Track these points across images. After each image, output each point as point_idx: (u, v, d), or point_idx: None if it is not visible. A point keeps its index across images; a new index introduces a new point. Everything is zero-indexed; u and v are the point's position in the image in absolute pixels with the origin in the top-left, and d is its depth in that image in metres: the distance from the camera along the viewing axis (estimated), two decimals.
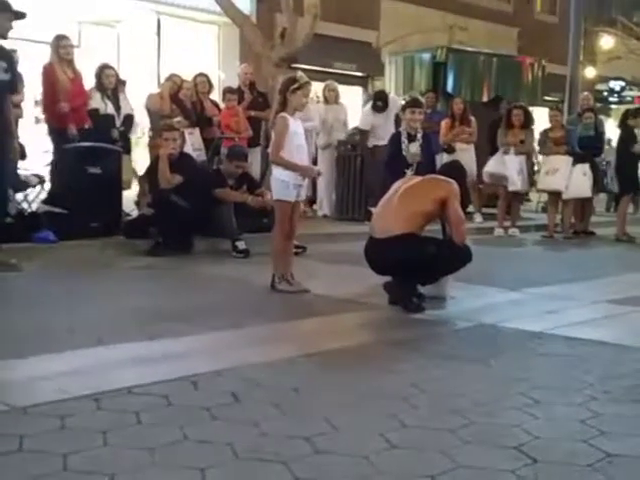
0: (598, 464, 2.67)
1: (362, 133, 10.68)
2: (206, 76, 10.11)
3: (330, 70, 16.02)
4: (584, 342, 4.47)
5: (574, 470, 2.63)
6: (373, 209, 6.83)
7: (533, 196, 12.68)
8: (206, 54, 15.32)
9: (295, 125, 5.70)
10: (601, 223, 11.91)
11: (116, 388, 3.28)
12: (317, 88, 12.08)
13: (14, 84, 6.61)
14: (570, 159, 10.35)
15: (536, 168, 11.01)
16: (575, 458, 2.72)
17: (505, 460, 2.68)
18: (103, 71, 8.56)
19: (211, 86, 10.10)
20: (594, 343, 4.46)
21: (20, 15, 6.51)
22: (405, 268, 5.20)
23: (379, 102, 10.54)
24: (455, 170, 5.82)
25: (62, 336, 4.19)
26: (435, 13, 18.56)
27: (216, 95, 10.58)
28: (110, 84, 8.56)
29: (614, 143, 17.07)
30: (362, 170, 10.48)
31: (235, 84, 10.68)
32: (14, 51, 7.21)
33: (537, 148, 11.11)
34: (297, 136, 5.72)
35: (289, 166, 5.64)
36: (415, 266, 5.17)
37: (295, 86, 5.63)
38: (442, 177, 5.53)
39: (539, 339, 4.55)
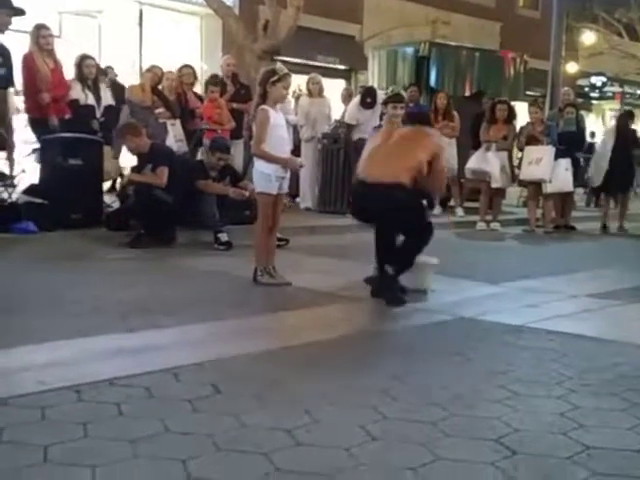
0: (577, 456, 2.69)
1: (348, 127, 10.68)
2: (192, 68, 10.08)
3: (313, 63, 16.03)
4: (564, 335, 4.50)
5: (553, 462, 2.65)
6: None
7: (515, 190, 12.75)
8: (188, 45, 15.26)
9: (276, 117, 5.68)
10: (582, 218, 11.99)
11: (97, 380, 3.27)
12: (300, 81, 12.09)
13: (10, 78, 6.55)
14: (553, 149, 10.40)
15: (515, 163, 11.05)
16: (554, 450, 2.74)
17: (485, 452, 2.70)
18: (83, 61, 8.50)
19: (196, 78, 10.07)
20: (574, 337, 4.49)
21: (19, 11, 6.43)
22: (398, 217, 5.23)
23: (368, 98, 10.53)
24: (426, 116, 6.11)
25: (43, 327, 4.17)
26: (418, 7, 18.59)
27: (198, 87, 10.55)
28: (90, 74, 8.50)
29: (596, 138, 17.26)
30: (345, 163, 10.48)
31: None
32: None
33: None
34: (278, 128, 5.71)
35: (271, 158, 5.63)
36: (406, 219, 5.24)
37: (275, 78, 5.61)
38: (430, 130, 5.67)
39: (519, 332, 4.57)
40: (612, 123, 22.14)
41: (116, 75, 10.54)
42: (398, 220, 5.28)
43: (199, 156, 9.40)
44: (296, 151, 9.08)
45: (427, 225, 5.36)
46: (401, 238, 5.42)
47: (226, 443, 2.68)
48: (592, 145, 16.61)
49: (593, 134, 19.38)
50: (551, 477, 2.53)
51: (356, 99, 11.00)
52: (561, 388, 3.47)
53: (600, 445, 2.80)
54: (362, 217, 5.51)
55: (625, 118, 11.31)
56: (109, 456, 2.54)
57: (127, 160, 9.30)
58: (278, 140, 5.68)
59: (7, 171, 8.08)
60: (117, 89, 9.56)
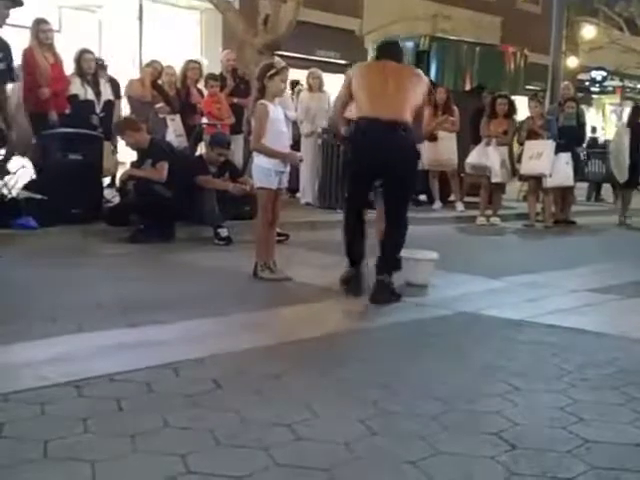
0: (576, 450, 2.70)
1: (348, 122, 10.63)
2: (198, 63, 10.05)
3: (313, 57, 15.99)
4: (564, 330, 4.50)
5: (553, 456, 2.65)
6: None
7: (515, 185, 12.74)
8: (188, 40, 15.23)
9: (275, 111, 5.68)
10: (582, 212, 11.99)
11: (97, 375, 3.27)
12: (300, 75, 12.07)
13: (10, 73, 6.52)
14: (553, 143, 10.39)
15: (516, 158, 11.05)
16: (554, 444, 2.74)
17: (485, 446, 2.70)
18: (82, 56, 8.48)
19: (201, 74, 10.04)
20: (574, 331, 4.49)
21: (17, 2, 6.41)
22: (401, 163, 5.21)
23: None
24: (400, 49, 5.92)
25: (43, 323, 4.17)
26: (419, 1, 18.58)
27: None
28: (89, 69, 8.48)
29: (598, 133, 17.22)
30: (345, 158, 10.46)
31: (217, 70, 10.62)
32: None
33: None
34: (278, 122, 5.70)
35: (271, 153, 5.63)
36: (407, 168, 5.28)
37: (272, 72, 5.62)
38: (419, 70, 5.73)
39: (519, 327, 4.58)
40: (613, 119, 22.14)
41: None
42: (399, 169, 5.19)
43: (199, 151, 9.39)
44: (295, 146, 9.06)
45: (405, 219, 5.32)
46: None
47: (226, 438, 2.68)
48: (595, 140, 16.61)
49: (594, 129, 19.36)
50: (551, 471, 2.53)
51: None
52: (561, 382, 3.48)
53: (599, 439, 2.80)
54: (363, 167, 5.37)
55: (636, 113, 11.32)
56: (109, 451, 2.54)
57: (126, 155, 9.29)
58: (277, 134, 5.68)
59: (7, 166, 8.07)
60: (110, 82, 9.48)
